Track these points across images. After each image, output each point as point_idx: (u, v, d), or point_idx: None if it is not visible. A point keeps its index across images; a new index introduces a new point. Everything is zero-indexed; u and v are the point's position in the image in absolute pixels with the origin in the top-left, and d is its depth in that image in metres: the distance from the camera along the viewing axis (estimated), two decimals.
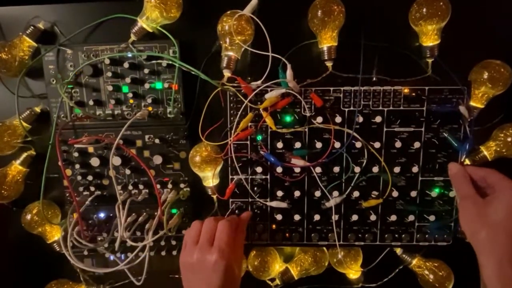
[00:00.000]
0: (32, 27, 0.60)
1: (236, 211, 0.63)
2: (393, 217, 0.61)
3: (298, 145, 0.59)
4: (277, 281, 0.67)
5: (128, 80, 0.59)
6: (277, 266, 0.66)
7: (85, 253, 0.66)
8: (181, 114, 0.61)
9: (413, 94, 0.58)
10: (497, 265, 0.45)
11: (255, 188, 0.62)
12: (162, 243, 0.65)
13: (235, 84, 0.58)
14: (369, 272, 0.66)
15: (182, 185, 0.64)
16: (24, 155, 0.64)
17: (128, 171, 0.62)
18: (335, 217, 0.61)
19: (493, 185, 0.50)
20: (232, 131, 0.58)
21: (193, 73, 0.57)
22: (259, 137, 0.60)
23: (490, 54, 0.58)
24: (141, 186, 0.63)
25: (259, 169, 0.60)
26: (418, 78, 0.59)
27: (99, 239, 0.65)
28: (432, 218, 0.61)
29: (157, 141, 0.61)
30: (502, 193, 0.48)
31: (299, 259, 0.66)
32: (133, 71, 0.60)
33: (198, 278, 0.52)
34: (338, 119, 0.58)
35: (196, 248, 0.53)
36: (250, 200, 0.62)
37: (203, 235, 0.54)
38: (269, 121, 0.57)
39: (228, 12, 0.57)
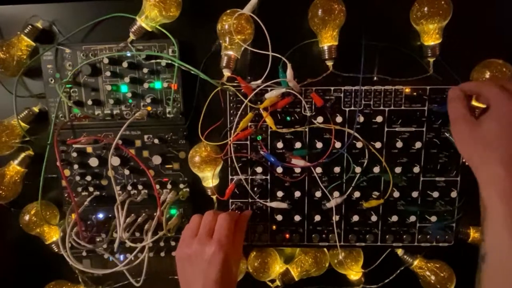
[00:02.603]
0: (30, 26, 0.59)
1: (237, 211, 0.62)
2: (394, 218, 0.61)
3: (298, 145, 0.58)
4: (278, 282, 0.66)
5: (127, 79, 0.59)
6: (278, 267, 0.66)
7: (84, 254, 0.65)
8: (180, 114, 0.61)
9: (415, 93, 0.57)
10: (494, 185, 0.43)
11: (255, 189, 0.61)
12: (162, 244, 0.64)
13: (235, 84, 0.58)
14: (370, 273, 0.66)
15: (181, 186, 0.63)
16: (22, 155, 0.63)
17: (127, 172, 0.62)
18: (335, 218, 0.61)
19: (489, 100, 0.46)
20: (232, 131, 0.58)
21: (192, 72, 0.57)
22: (259, 137, 0.59)
23: (492, 53, 0.57)
24: (140, 187, 0.63)
25: (259, 169, 0.60)
26: (420, 78, 0.58)
27: (97, 240, 0.64)
28: (433, 218, 0.61)
29: (156, 141, 0.60)
30: (495, 108, 0.45)
31: (300, 260, 0.65)
32: (132, 70, 0.59)
33: (194, 270, 0.51)
34: (339, 119, 0.57)
35: (194, 240, 0.52)
36: (250, 200, 0.62)
37: (202, 227, 0.54)
38: (269, 121, 0.57)
39: (228, 11, 0.56)
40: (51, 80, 0.60)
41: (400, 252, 0.65)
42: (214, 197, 0.63)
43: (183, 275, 0.53)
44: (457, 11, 0.55)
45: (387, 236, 0.62)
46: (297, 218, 0.61)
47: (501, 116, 0.45)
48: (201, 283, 0.50)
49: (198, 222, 0.55)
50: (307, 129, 0.59)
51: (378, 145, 0.58)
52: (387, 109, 0.58)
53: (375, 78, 0.59)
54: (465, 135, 0.47)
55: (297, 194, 0.60)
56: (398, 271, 0.65)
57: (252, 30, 0.57)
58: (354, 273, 0.66)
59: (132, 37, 0.58)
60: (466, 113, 0.48)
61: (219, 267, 0.50)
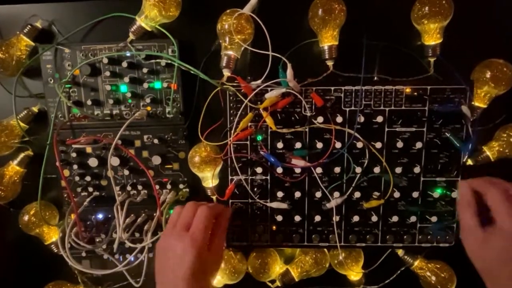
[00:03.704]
0: (29, 26, 0.59)
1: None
2: (395, 218, 0.61)
3: (298, 145, 0.58)
4: (278, 283, 0.66)
5: (126, 79, 0.58)
6: (278, 268, 0.66)
7: (83, 254, 0.65)
8: (180, 114, 0.60)
9: (415, 93, 0.57)
10: None
11: (255, 189, 0.61)
12: None
13: (235, 84, 0.57)
14: (370, 273, 0.66)
15: (181, 186, 0.63)
16: (22, 155, 0.63)
17: (126, 172, 0.61)
18: (336, 218, 0.61)
19: (493, 212, 0.49)
20: (232, 131, 0.58)
21: (192, 72, 0.56)
22: (259, 137, 0.59)
23: (493, 53, 0.57)
24: (139, 187, 0.63)
25: (259, 170, 0.60)
26: (420, 78, 0.58)
27: (97, 240, 0.64)
28: (434, 219, 0.60)
29: (156, 141, 0.60)
30: (500, 229, 0.47)
31: (300, 260, 0.65)
32: (132, 70, 0.59)
33: (166, 264, 0.49)
34: (339, 119, 0.57)
35: (172, 232, 0.51)
36: (250, 201, 0.62)
37: (180, 220, 0.52)
38: (269, 121, 0.57)
39: (228, 10, 0.56)
40: (51, 80, 0.60)
41: (400, 252, 0.65)
42: (214, 197, 0.62)
43: (158, 266, 0.51)
44: (458, 10, 0.54)
45: (387, 237, 0.62)
46: (297, 218, 0.61)
47: (506, 237, 0.47)
48: (170, 278, 0.48)
49: (180, 213, 0.53)
50: (307, 129, 0.59)
51: (378, 145, 0.58)
52: (387, 109, 0.58)
53: (375, 78, 0.59)
54: (474, 248, 0.50)
55: (297, 194, 0.60)
56: (399, 272, 0.65)
57: (252, 30, 0.57)
58: (355, 274, 0.66)
59: (131, 37, 0.58)
60: (475, 226, 0.50)
61: (189, 264, 0.47)
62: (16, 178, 0.64)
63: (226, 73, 0.58)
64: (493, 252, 0.48)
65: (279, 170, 0.60)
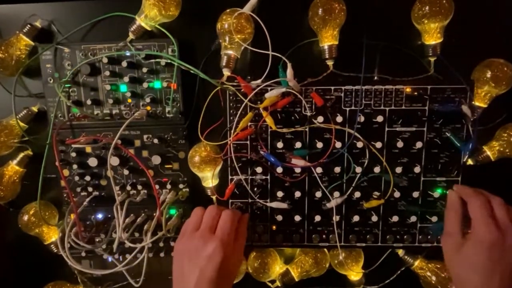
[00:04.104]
0: (29, 26, 0.59)
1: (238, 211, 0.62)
2: (395, 218, 0.61)
3: (298, 145, 0.58)
4: (278, 283, 0.66)
5: (126, 79, 0.58)
6: (278, 268, 0.66)
7: (83, 254, 0.65)
8: (180, 113, 0.60)
9: (415, 93, 0.57)
10: None
11: (255, 189, 0.61)
12: (161, 244, 0.64)
13: (235, 83, 0.57)
14: (370, 273, 0.66)
15: (181, 186, 0.63)
16: (21, 155, 0.63)
17: (126, 172, 0.61)
18: (336, 218, 0.61)
19: (472, 220, 0.50)
20: (232, 131, 0.58)
21: (192, 72, 0.56)
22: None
23: (493, 53, 0.57)
24: (139, 187, 0.62)
25: (259, 170, 0.60)
26: (420, 77, 0.58)
27: (97, 240, 0.64)
28: (434, 219, 0.60)
29: (155, 141, 0.60)
30: (475, 236, 0.49)
31: (300, 260, 0.65)
32: (132, 70, 0.59)
33: (192, 265, 0.50)
34: (339, 119, 0.57)
35: (196, 234, 0.51)
36: (250, 200, 0.62)
37: (205, 222, 0.52)
38: (269, 120, 0.57)
39: (228, 10, 0.56)
40: (50, 80, 0.60)
41: (400, 252, 0.65)
42: (213, 197, 0.62)
43: (179, 269, 0.52)
44: (459, 10, 0.54)
45: (387, 237, 0.62)
46: (297, 218, 0.61)
47: (479, 243, 0.48)
48: (195, 279, 0.49)
49: (201, 215, 0.54)
50: (307, 129, 0.58)
51: (378, 145, 0.58)
52: (387, 108, 0.58)
53: (375, 78, 0.59)
54: (452, 253, 0.52)
55: (297, 194, 0.60)
56: (399, 272, 0.65)
57: (252, 29, 0.57)
58: (355, 274, 0.66)
59: (131, 36, 0.58)
60: (456, 232, 0.52)
61: (217, 266, 0.49)
62: (15, 178, 0.64)
63: (226, 72, 0.58)
64: (466, 258, 0.49)
65: (279, 170, 0.59)
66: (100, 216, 0.64)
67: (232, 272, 0.53)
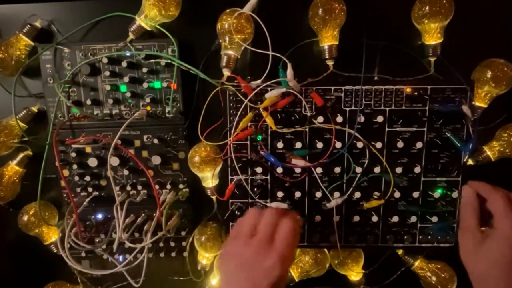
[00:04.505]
0: (29, 26, 0.59)
1: (236, 212, 0.62)
2: (395, 218, 0.61)
3: (298, 145, 0.58)
4: None
5: (126, 79, 0.58)
6: None
7: (83, 254, 0.65)
8: (180, 113, 0.60)
9: (415, 93, 0.57)
10: None
11: (255, 189, 0.61)
12: (161, 244, 0.64)
13: (235, 83, 0.57)
14: (370, 274, 0.66)
15: (181, 186, 0.63)
16: (21, 155, 0.63)
17: (126, 172, 0.61)
18: (336, 218, 0.61)
19: (494, 215, 0.50)
20: (232, 131, 0.58)
21: (192, 72, 0.56)
22: (259, 137, 0.59)
23: (494, 53, 0.57)
24: (139, 187, 0.62)
25: (259, 170, 0.60)
26: (421, 77, 0.58)
27: (97, 240, 0.64)
28: (434, 219, 0.60)
29: (155, 141, 0.60)
30: (499, 231, 0.48)
31: (300, 260, 0.65)
32: (131, 70, 0.59)
33: (244, 276, 0.45)
34: (339, 119, 0.57)
35: (253, 242, 0.46)
36: (250, 201, 0.62)
37: (264, 229, 0.47)
38: (269, 120, 0.56)
39: (228, 10, 0.56)
40: (50, 80, 0.60)
41: (401, 252, 0.65)
42: (213, 197, 0.62)
43: (228, 277, 0.47)
44: (459, 10, 0.54)
45: (388, 237, 0.62)
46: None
47: (504, 239, 0.47)
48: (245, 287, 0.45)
49: (258, 220, 0.49)
50: (307, 129, 0.58)
51: (378, 145, 0.58)
52: (387, 109, 0.58)
53: (375, 78, 0.58)
54: (470, 249, 0.51)
55: (298, 194, 0.60)
56: (399, 272, 0.65)
57: (252, 29, 0.57)
58: (355, 274, 0.66)
59: (131, 36, 0.58)
60: (475, 226, 0.51)
61: (275, 280, 0.44)
62: (15, 178, 0.63)
63: (226, 72, 0.58)
64: (487, 254, 0.48)
65: (279, 170, 0.59)
66: (100, 216, 0.64)
67: (283, 284, 0.47)
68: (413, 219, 0.61)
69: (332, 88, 0.58)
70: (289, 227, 0.48)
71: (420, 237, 0.61)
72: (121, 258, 0.64)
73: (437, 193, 0.59)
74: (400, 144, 0.57)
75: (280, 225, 0.48)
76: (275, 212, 0.50)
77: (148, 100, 0.59)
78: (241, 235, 0.48)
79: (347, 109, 0.58)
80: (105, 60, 0.57)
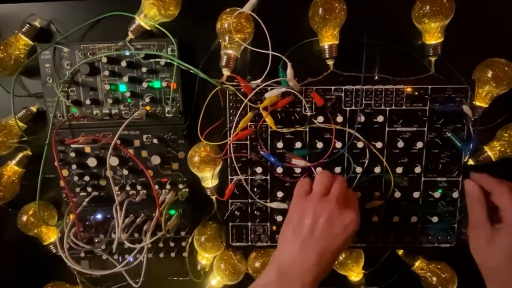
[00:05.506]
0: (28, 25, 0.59)
1: (236, 212, 0.61)
2: (396, 218, 0.60)
3: (298, 145, 0.58)
4: None
5: (125, 79, 0.58)
6: None
7: (82, 255, 0.65)
8: (179, 113, 0.60)
9: (416, 93, 0.57)
10: None
11: (255, 189, 0.61)
12: (161, 244, 0.64)
13: (235, 83, 0.57)
14: (371, 274, 0.66)
15: (180, 186, 0.63)
16: (20, 155, 0.63)
17: (125, 172, 0.61)
18: None
19: (501, 209, 0.49)
20: (232, 131, 0.58)
21: (191, 72, 0.56)
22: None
23: (494, 53, 0.57)
24: (139, 187, 0.62)
25: (259, 170, 0.60)
26: (421, 77, 0.58)
27: (96, 240, 0.64)
28: (435, 219, 0.60)
29: (155, 141, 0.60)
30: (509, 226, 0.48)
31: None
32: (131, 70, 0.59)
33: (322, 228, 0.48)
34: (340, 119, 0.57)
35: (329, 199, 0.49)
36: (250, 201, 0.61)
37: (337, 191, 0.50)
38: (269, 120, 0.56)
39: (228, 9, 0.56)
40: (49, 80, 0.60)
41: (401, 253, 0.65)
42: (213, 197, 0.62)
43: (299, 217, 0.50)
44: (459, 9, 0.54)
45: (388, 237, 0.61)
46: None
47: None
48: (325, 240, 0.47)
49: (325, 183, 0.52)
50: (307, 129, 0.58)
51: (379, 145, 0.58)
52: (388, 108, 0.58)
53: (376, 78, 0.58)
54: (481, 243, 0.51)
55: None
56: (399, 272, 0.65)
57: (252, 29, 0.57)
58: (355, 274, 0.65)
59: (130, 36, 0.58)
60: (484, 221, 0.51)
61: (349, 236, 0.48)
62: (14, 178, 0.63)
63: (226, 72, 0.58)
64: (499, 248, 0.48)
65: (279, 170, 0.59)
66: (99, 216, 0.64)
67: (343, 249, 0.50)
68: (414, 219, 0.60)
69: (332, 87, 0.57)
70: (354, 195, 0.55)
71: (421, 237, 0.61)
72: (120, 258, 0.64)
73: (438, 193, 0.59)
74: (400, 144, 0.57)
75: (350, 194, 0.53)
76: (343, 181, 0.53)
77: (147, 99, 0.59)
78: (317, 194, 0.51)
79: (347, 109, 0.58)
80: (104, 60, 0.57)
